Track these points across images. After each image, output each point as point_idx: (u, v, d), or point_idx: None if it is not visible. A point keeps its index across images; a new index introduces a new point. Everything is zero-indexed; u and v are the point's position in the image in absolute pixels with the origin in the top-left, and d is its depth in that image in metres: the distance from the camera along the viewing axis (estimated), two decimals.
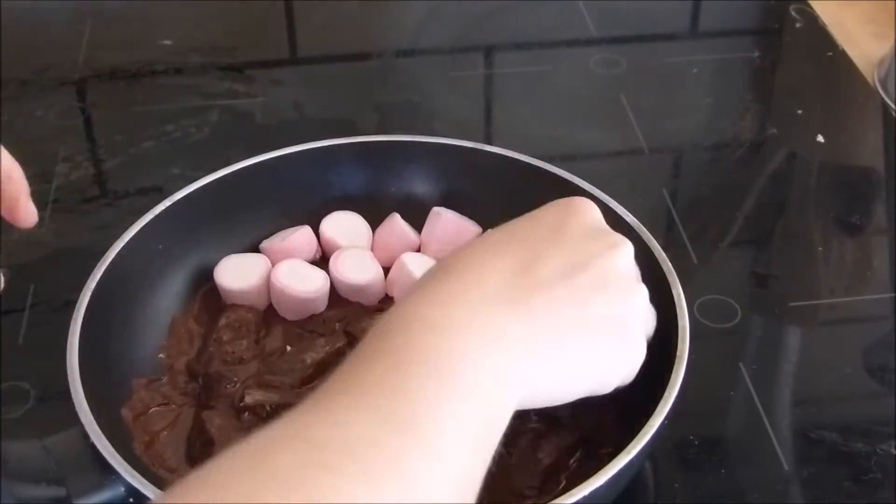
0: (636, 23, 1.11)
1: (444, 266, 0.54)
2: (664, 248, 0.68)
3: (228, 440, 0.64)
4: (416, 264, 0.74)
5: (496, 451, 0.47)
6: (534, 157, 0.76)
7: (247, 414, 0.66)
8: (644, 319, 0.57)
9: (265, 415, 0.66)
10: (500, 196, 0.76)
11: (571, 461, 0.64)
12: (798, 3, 1.12)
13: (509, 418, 0.49)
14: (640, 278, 0.57)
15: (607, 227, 0.58)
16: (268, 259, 0.75)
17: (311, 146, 0.77)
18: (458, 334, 0.48)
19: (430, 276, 0.54)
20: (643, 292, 0.56)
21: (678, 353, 0.61)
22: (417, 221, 0.77)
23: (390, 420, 0.43)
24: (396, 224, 0.77)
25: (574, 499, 0.55)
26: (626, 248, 0.56)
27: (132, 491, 0.57)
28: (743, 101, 1.02)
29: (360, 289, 0.73)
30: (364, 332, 0.49)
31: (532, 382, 0.50)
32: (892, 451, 0.69)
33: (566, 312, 0.52)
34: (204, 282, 0.74)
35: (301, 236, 0.76)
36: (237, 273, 0.73)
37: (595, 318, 0.53)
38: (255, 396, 0.66)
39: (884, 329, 0.80)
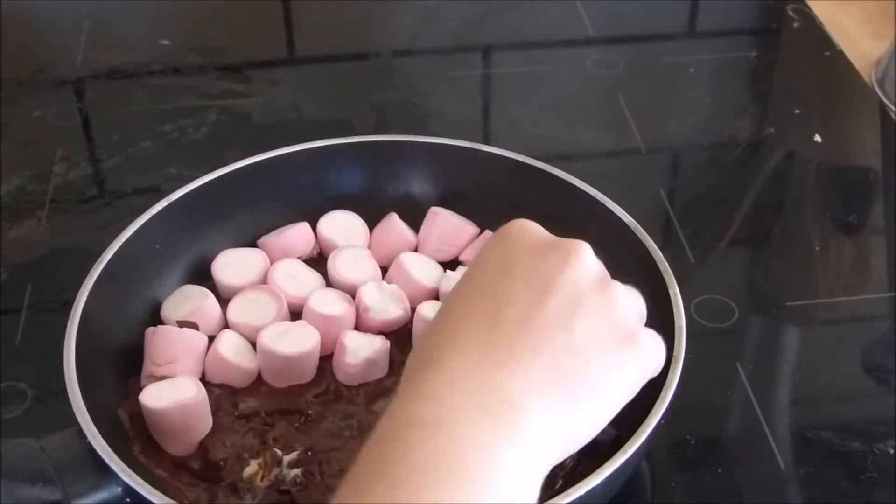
0: (634, 23, 1.11)
1: (423, 351, 0.50)
2: (661, 248, 0.68)
3: (223, 440, 0.64)
4: (413, 264, 0.74)
5: None
6: (531, 157, 0.76)
7: (244, 421, 0.66)
8: (632, 310, 0.53)
9: (262, 422, 0.66)
10: (497, 196, 0.76)
11: (568, 460, 0.64)
12: (795, 2, 1.12)
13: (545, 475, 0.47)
14: (606, 274, 0.53)
15: (552, 237, 0.54)
16: (265, 254, 0.75)
17: (308, 146, 0.77)
18: (458, 431, 0.45)
19: (413, 367, 0.50)
20: (616, 287, 0.52)
21: (675, 353, 0.61)
22: (415, 221, 0.77)
23: None
24: (394, 224, 0.77)
25: (571, 498, 0.55)
26: (582, 252, 0.52)
27: (129, 491, 0.57)
28: (740, 100, 1.02)
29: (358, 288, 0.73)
30: None
31: (558, 432, 0.48)
32: (890, 450, 0.69)
33: (557, 344, 0.49)
34: (201, 282, 0.73)
35: (298, 232, 0.76)
36: (235, 269, 0.73)
37: (586, 338, 0.50)
38: (249, 403, 0.66)
39: (881, 329, 0.80)
